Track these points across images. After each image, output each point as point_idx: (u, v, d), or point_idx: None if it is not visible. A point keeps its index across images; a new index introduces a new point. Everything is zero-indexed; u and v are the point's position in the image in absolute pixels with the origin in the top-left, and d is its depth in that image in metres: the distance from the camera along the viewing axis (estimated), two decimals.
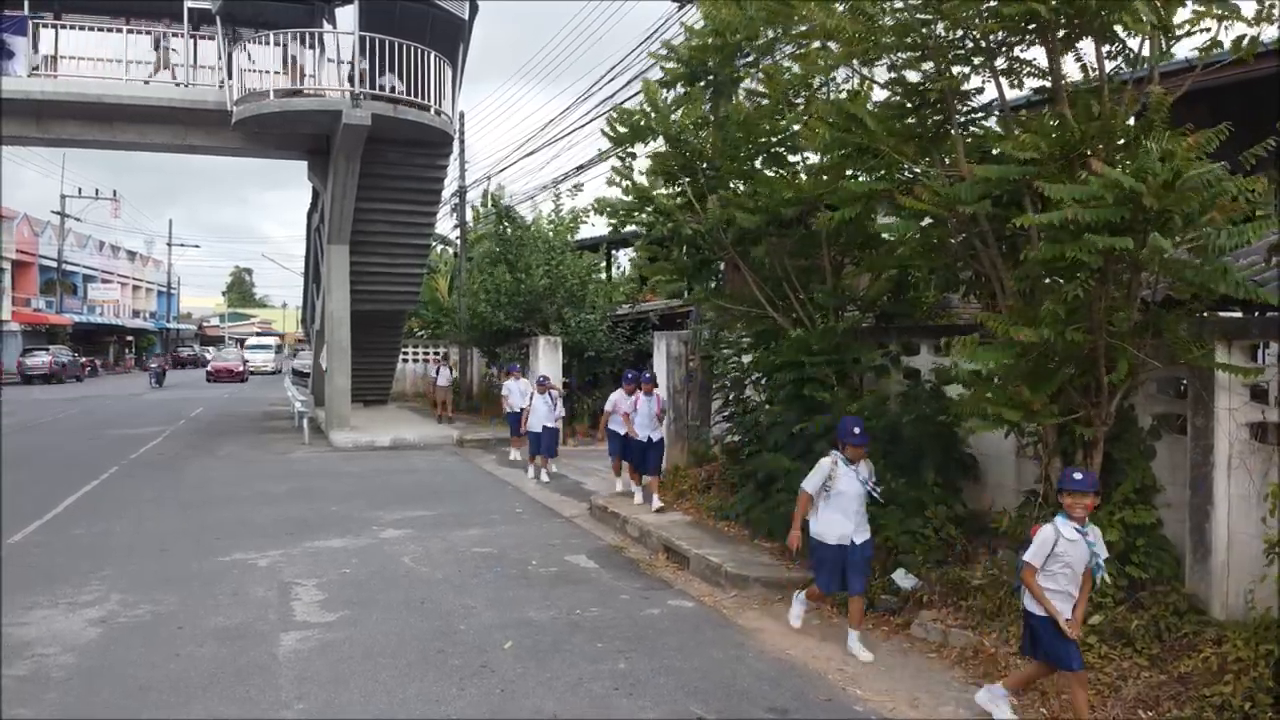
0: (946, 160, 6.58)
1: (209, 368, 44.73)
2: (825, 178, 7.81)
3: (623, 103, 17.15)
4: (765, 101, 8.59)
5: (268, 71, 17.35)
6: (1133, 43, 5.83)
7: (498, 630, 6.42)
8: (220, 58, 17.53)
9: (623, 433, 11.07)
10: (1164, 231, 4.89)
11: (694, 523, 9.59)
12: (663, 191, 9.35)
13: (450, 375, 22.78)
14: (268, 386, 39.48)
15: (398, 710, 5.06)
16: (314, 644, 6.13)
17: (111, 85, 17.28)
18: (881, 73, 6.81)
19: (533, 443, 13.54)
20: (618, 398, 11.31)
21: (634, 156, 9.42)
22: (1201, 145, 4.87)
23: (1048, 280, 5.94)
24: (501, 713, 5.04)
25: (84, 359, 44.89)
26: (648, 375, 11.02)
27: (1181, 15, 5.69)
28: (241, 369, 43.98)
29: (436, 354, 30.53)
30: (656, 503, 10.10)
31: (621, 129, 9.38)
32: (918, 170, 6.55)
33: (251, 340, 62.24)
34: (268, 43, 17.17)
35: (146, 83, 17.60)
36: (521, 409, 14.47)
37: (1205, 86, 8.37)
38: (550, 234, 22.17)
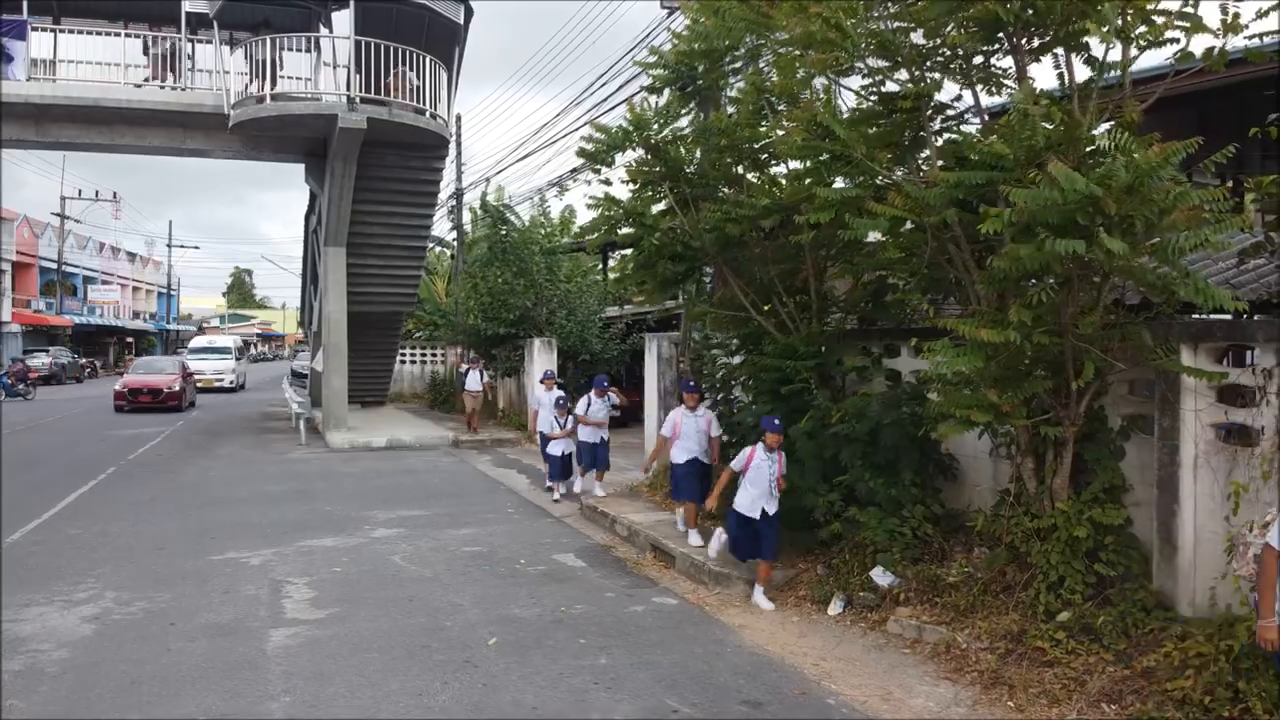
0: (924, 168, 6.72)
1: (119, 385, 25.77)
2: (809, 181, 7.94)
3: (613, 108, 17.29)
4: (749, 108, 8.71)
5: (259, 77, 17.47)
6: (1099, 50, 5.94)
7: (483, 627, 6.56)
8: (218, 61, 17.66)
9: (684, 460, 8.77)
10: (1126, 235, 5.02)
11: (677, 523, 9.71)
12: (642, 200, 9.44)
13: (482, 380, 19.68)
14: (263, 389, 39.43)
15: (381, 703, 5.20)
16: (302, 640, 6.27)
17: (110, 89, 17.44)
18: (859, 80, 6.97)
19: (589, 459, 11.67)
20: (680, 419, 8.86)
21: (611, 165, 9.50)
22: (1167, 154, 4.99)
23: (1021, 283, 6.08)
24: (482, 706, 5.18)
25: (84, 360, 45.03)
26: (776, 423, 7.26)
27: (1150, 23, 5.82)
28: (177, 388, 25.57)
29: (431, 353, 30.63)
30: (766, 601, 7.11)
31: (596, 145, 9.40)
32: (895, 176, 6.68)
33: (198, 342, 40.55)
34: (265, 47, 17.33)
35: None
36: (554, 430, 12.03)
37: (1191, 90, 8.52)
38: (541, 235, 22.28)
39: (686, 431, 8.85)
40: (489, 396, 21.61)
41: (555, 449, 11.99)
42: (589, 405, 11.70)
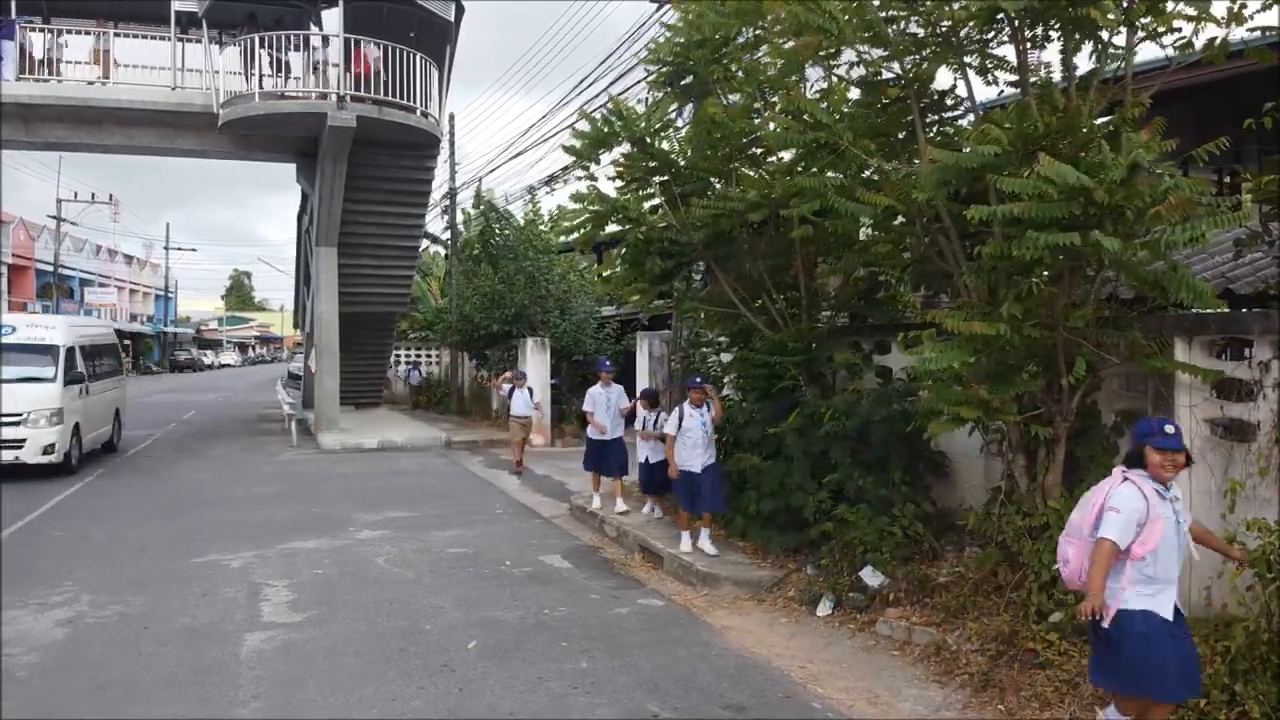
0: (915, 161, 6.58)
1: None
2: (799, 170, 7.78)
3: (593, 110, 17.11)
4: (739, 99, 8.57)
5: (254, 74, 17.35)
6: (1104, 36, 5.81)
7: (463, 630, 6.41)
8: (207, 61, 17.53)
9: None
10: (1117, 226, 4.89)
11: (671, 522, 9.56)
12: (630, 196, 9.28)
13: (530, 400, 14.84)
14: (261, 390, 39.19)
15: (354, 708, 5.05)
16: (278, 644, 6.12)
17: (98, 88, 17.29)
18: (851, 69, 6.83)
19: (684, 493, 8.39)
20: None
21: (598, 163, 9.32)
22: (1150, 143, 4.87)
23: (1013, 277, 5.94)
24: (458, 711, 5.04)
25: None
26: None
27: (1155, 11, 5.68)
28: None
29: (425, 354, 30.43)
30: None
31: (584, 140, 9.21)
32: (886, 167, 6.54)
33: None
34: (254, 45, 17.20)
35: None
36: (609, 436, 10.32)
37: (1187, 85, 8.39)
38: (534, 237, 22.15)
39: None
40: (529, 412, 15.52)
41: (644, 452, 9.84)
42: (681, 420, 8.36)
